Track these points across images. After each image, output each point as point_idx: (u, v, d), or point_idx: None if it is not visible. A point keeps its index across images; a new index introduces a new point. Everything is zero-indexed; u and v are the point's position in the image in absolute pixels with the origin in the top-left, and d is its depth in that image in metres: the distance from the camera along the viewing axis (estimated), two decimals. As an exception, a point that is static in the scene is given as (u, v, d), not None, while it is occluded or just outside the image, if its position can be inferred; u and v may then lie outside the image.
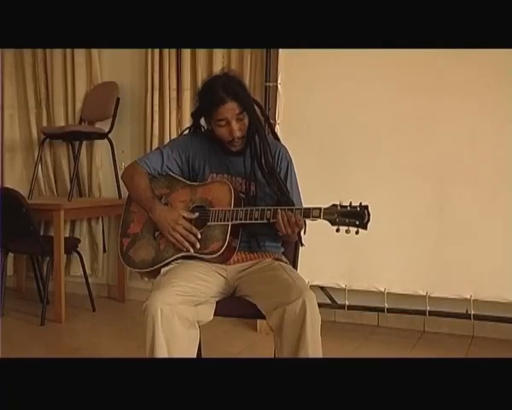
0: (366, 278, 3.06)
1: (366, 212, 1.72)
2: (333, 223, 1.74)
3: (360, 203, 1.73)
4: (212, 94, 1.92)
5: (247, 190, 1.99)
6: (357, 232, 1.72)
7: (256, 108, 2.02)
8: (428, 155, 2.96)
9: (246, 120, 1.95)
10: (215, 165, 2.05)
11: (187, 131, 2.18)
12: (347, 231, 1.72)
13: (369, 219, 1.72)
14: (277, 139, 2.15)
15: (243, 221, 1.85)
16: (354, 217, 1.72)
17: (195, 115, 2.09)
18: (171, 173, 2.06)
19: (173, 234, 1.91)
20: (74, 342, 3.13)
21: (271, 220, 1.81)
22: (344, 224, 1.72)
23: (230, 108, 1.91)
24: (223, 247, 1.86)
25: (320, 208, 1.75)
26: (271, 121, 2.12)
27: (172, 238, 1.91)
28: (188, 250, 1.89)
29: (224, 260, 1.92)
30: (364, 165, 3.05)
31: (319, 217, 1.75)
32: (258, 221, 1.84)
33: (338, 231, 1.73)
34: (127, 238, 2.04)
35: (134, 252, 2.01)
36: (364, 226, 1.72)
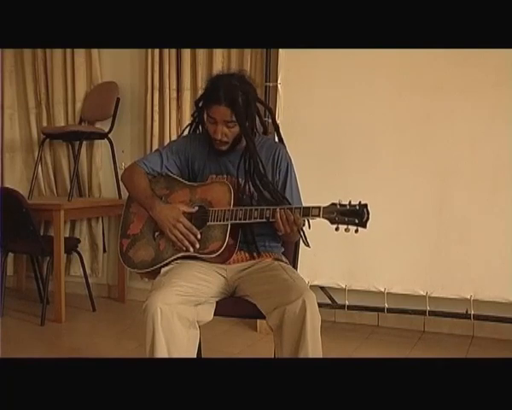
0: (366, 278, 3.06)
1: (365, 210, 1.71)
2: (332, 222, 1.73)
3: (359, 202, 1.73)
4: (213, 90, 1.93)
5: (248, 192, 1.99)
6: (356, 231, 1.71)
7: (267, 113, 2.03)
8: (429, 155, 2.96)
9: (235, 129, 1.95)
10: (215, 166, 2.05)
11: (186, 131, 2.18)
12: (347, 230, 1.71)
13: (368, 218, 1.71)
14: (282, 142, 2.14)
15: (242, 221, 1.85)
16: (353, 216, 1.71)
17: (198, 102, 2.09)
18: (171, 174, 2.06)
19: (174, 232, 1.90)
20: (74, 342, 3.13)
21: (271, 219, 1.81)
22: (343, 222, 1.72)
23: (222, 112, 1.91)
24: (222, 247, 1.86)
25: (319, 207, 1.75)
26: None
27: (172, 236, 1.91)
28: (187, 250, 1.89)
29: (223, 260, 1.92)
30: (364, 165, 3.05)
31: (318, 216, 1.75)
32: (258, 220, 1.84)
33: (337, 229, 1.73)
34: (127, 239, 2.04)
35: (134, 253, 2.01)
36: (364, 225, 1.71)
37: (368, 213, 1.71)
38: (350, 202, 1.73)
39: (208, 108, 1.96)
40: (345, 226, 1.72)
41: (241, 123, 1.93)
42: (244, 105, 1.92)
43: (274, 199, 1.90)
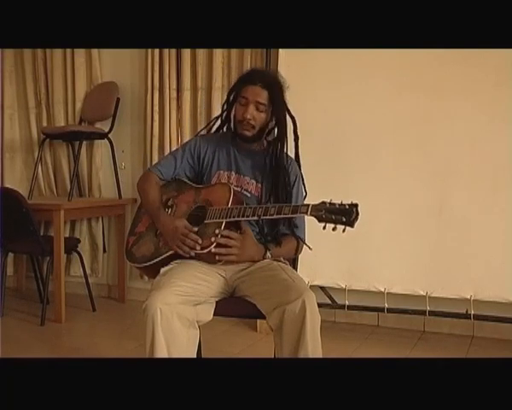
0: (366, 278, 3.06)
1: (355, 210, 1.67)
2: (319, 219, 1.70)
3: (351, 202, 1.69)
4: (249, 73, 2.06)
5: (253, 190, 2.02)
6: (343, 230, 1.66)
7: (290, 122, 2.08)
8: (429, 155, 2.96)
9: (264, 115, 2.00)
10: (223, 162, 2.08)
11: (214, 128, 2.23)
12: (334, 229, 1.67)
13: (356, 218, 1.66)
14: (298, 163, 2.15)
15: (236, 218, 1.86)
16: (341, 214, 1.67)
17: (229, 92, 2.12)
18: (183, 178, 2.11)
19: (176, 242, 1.91)
20: (74, 342, 3.13)
21: (262, 217, 1.82)
22: (330, 220, 1.68)
23: (256, 92, 1.98)
24: (213, 244, 1.86)
25: (308, 205, 1.75)
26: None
27: (174, 246, 1.92)
28: (189, 254, 1.89)
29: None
30: (365, 165, 3.05)
31: (306, 213, 1.74)
32: (250, 218, 1.85)
33: (324, 228, 1.69)
34: (133, 237, 2.10)
35: (137, 249, 2.05)
36: (351, 224, 1.66)
37: (357, 213, 1.66)
38: (341, 201, 1.71)
39: (240, 89, 2.02)
40: (332, 225, 1.68)
41: (272, 111, 2.00)
42: (278, 94, 2.01)
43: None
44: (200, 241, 1.88)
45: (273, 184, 2.00)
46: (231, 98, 2.09)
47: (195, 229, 1.91)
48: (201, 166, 2.11)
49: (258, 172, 2.05)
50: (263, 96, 1.98)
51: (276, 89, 2.01)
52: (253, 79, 2.00)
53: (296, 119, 2.09)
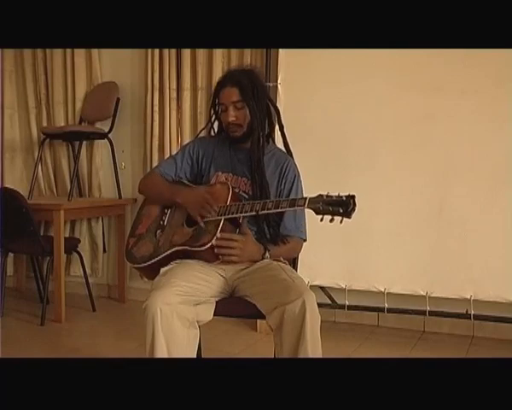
0: (366, 278, 3.06)
1: (352, 201, 1.68)
2: (317, 211, 1.71)
3: (348, 194, 1.71)
4: (222, 76, 2.07)
5: (250, 192, 2.02)
6: (341, 222, 1.68)
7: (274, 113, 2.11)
8: (428, 154, 2.96)
9: (246, 112, 2.01)
10: (221, 164, 2.09)
11: (202, 133, 2.25)
12: (331, 221, 1.69)
13: (353, 209, 1.67)
14: (289, 152, 2.15)
15: (234, 215, 1.88)
16: (338, 205, 1.69)
17: (212, 99, 2.12)
18: (183, 179, 2.12)
19: (200, 210, 1.91)
20: (74, 342, 3.13)
21: (260, 212, 1.83)
22: (328, 212, 1.69)
23: (228, 93, 2.00)
24: (212, 240, 1.87)
25: (305, 198, 1.76)
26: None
27: (203, 211, 1.90)
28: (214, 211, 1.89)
29: (217, 256, 1.92)
30: (364, 165, 3.05)
31: (304, 205, 1.75)
32: (248, 213, 1.86)
33: (322, 220, 1.70)
34: (133, 238, 2.10)
35: (137, 250, 2.06)
36: (348, 215, 1.67)
37: (354, 204, 1.68)
38: (338, 193, 1.72)
39: (218, 97, 2.04)
40: (329, 217, 1.69)
41: (248, 103, 1.99)
42: (251, 86, 2.00)
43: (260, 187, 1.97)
44: (215, 207, 1.89)
45: (252, 179, 2.01)
46: (216, 103, 2.09)
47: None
48: (200, 169, 2.13)
49: (250, 172, 2.04)
50: (235, 94, 1.99)
51: (244, 82, 2.00)
52: (224, 81, 2.03)
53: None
